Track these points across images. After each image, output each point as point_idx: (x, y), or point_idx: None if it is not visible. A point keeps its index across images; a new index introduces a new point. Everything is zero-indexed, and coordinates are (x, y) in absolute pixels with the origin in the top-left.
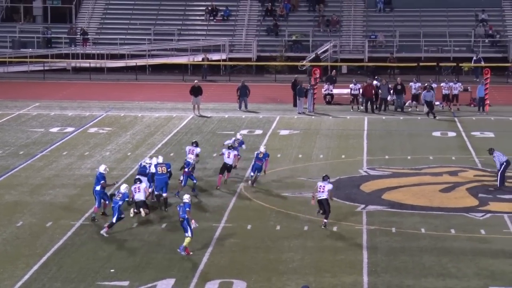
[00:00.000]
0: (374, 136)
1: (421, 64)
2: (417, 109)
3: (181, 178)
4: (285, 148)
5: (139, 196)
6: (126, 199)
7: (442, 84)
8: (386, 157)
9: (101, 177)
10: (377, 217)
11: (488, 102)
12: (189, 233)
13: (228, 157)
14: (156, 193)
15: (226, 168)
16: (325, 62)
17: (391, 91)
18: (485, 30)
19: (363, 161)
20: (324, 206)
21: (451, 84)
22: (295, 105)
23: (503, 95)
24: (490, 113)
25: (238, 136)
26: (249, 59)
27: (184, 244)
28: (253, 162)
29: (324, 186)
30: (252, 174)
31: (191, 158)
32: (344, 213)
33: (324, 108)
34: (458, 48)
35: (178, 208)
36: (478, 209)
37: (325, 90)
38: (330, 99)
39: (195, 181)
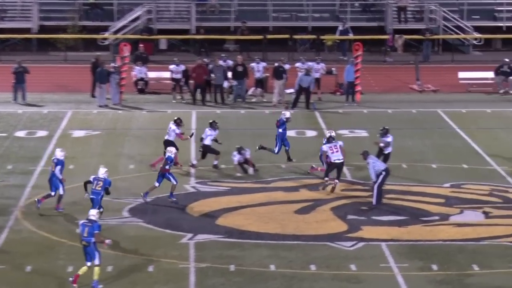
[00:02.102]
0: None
1: (268, 37)
2: (264, 99)
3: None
4: (80, 156)
5: None
6: (108, 186)
7: (297, 65)
8: (223, 166)
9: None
10: (209, 250)
11: (359, 88)
12: (97, 261)
13: None
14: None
15: None
16: (138, 34)
17: (229, 75)
18: None
19: (190, 172)
20: (339, 170)
21: (310, 64)
22: (94, 94)
23: (379, 79)
24: (362, 104)
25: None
26: (27, 31)
27: (95, 277)
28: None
29: (337, 146)
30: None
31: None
32: (163, 246)
33: (135, 98)
34: (319, 15)
35: (81, 228)
36: (347, 236)
37: (136, 74)
38: (143, 86)
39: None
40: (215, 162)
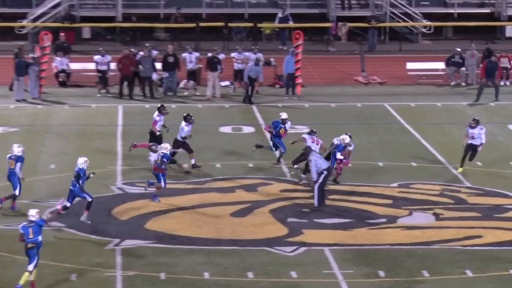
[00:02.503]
0: (133, 135)
1: (201, 25)
2: (197, 92)
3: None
4: None
5: None
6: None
7: (233, 55)
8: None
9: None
10: (138, 257)
11: (300, 81)
12: (32, 266)
13: None
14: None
15: None
16: (59, 22)
17: (158, 66)
18: None
19: (116, 172)
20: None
21: (246, 54)
22: (12, 88)
23: (322, 70)
24: (303, 97)
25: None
26: None
27: (22, 281)
28: None
29: (319, 140)
30: None
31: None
32: (87, 253)
33: (56, 92)
34: (256, 1)
35: (24, 231)
36: (288, 240)
37: (57, 65)
38: (65, 79)
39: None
40: (193, 161)
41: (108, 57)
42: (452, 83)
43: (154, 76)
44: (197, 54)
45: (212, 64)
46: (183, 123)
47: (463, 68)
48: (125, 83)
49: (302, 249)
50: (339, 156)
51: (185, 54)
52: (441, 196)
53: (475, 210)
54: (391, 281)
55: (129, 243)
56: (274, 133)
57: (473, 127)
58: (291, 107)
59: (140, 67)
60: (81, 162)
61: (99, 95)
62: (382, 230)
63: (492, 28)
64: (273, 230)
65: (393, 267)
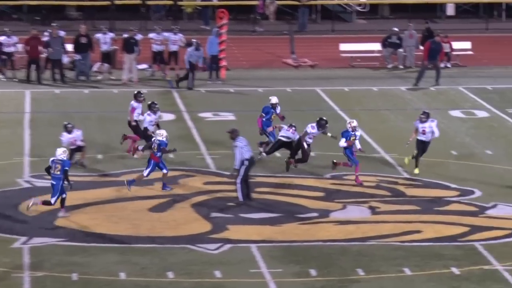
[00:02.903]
0: (42, 123)
1: (116, 2)
2: (112, 76)
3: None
4: None
5: None
6: (67, 167)
7: (151, 36)
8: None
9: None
10: (47, 256)
11: (224, 63)
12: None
13: None
14: None
15: None
16: None
17: (68, 48)
18: None
19: (23, 164)
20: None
21: (166, 35)
22: None
23: (248, 52)
24: (228, 82)
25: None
26: None
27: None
28: None
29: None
30: None
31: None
32: None
33: None
34: None
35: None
36: (211, 237)
37: None
38: None
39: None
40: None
41: (15, 38)
42: (389, 66)
43: (65, 59)
44: (112, 34)
45: (129, 46)
46: (146, 114)
47: (401, 50)
48: (33, 67)
49: (227, 246)
50: (343, 143)
51: (98, 35)
52: (377, 188)
53: (413, 203)
54: (323, 280)
55: (37, 241)
56: (265, 119)
57: (423, 121)
58: (215, 92)
59: (50, 49)
60: (60, 152)
61: (4, 80)
62: (313, 225)
63: (431, 6)
64: (195, 226)
65: (325, 265)
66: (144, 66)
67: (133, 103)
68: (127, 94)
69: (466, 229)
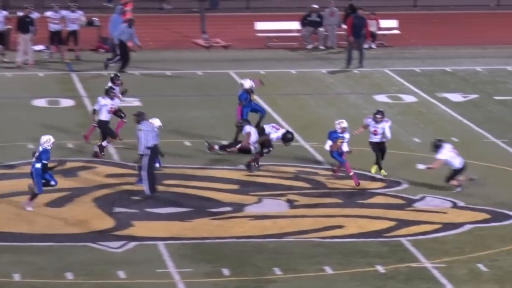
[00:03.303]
0: None
1: None
2: (5, 59)
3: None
4: None
5: None
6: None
7: (48, 14)
8: None
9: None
10: None
11: (129, 44)
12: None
13: None
14: None
15: None
16: None
17: None
18: None
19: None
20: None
21: (64, 13)
22: None
23: (155, 31)
24: (133, 64)
25: None
26: None
27: None
28: None
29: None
30: None
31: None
32: None
33: None
34: None
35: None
36: (114, 234)
37: None
38: None
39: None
40: (105, 144)
41: None
42: (309, 47)
43: None
44: (5, 12)
45: (23, 25)
46: (100, 97)
47: (322, 29)
48: None
49: (132, 244)
50: (327, 147)
51: None
52: (295, 179)
53: (335, 195)
54: (237, 280)
55: None
56: (245, 104)
57: (378, 122)
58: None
59: None
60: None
61: None
62: (226, 220)
63: None
64: (97, 222)
65: (239, 264)
66: (40, 47)
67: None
68: (22, 78)
69: (392, 223)
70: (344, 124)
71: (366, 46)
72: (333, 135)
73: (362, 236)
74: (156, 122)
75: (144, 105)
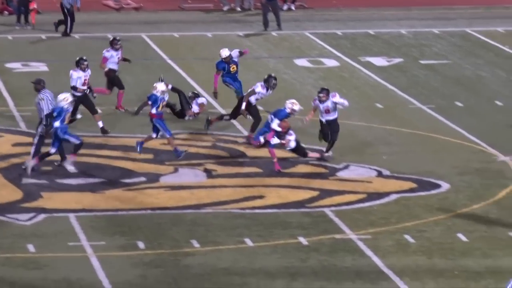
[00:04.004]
0: None
1: None
2: None
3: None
4: None
5: None
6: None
7: None
8: None
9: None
10: None
11: (35, 6)
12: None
13: None
14: None
15: None
16: None
17: None
18: None
19: None
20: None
21: None
22: None
23: None
24: (39, 27)
25: None
26: None
27: None
28: None
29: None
30: None
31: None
32: None
33: None
34: None
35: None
36: (23, 206)
37: None
38: None
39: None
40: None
41: None
42: (225, 8)
43: None
44: None
45: None
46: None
47: None
48: None
49: (41, 216)
50: (275, 126)
51: None
52: (213, 148)
53: (255, 164)
54: (153, 254)
55: None
56: (224, 74)
57: (323, 101)
58: (24, 39)
59: None
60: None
61: None
62: (141, 191)
63: None
64: (4, 193)
65: (155, 237)
66: None
67: (105, 51)
68: None
69: (314, 193)
70: (296, 107)
71: (285, 7)
72: (281, 113)
73: (283, 207)
74: (160, 86)
75: (50, 70)
